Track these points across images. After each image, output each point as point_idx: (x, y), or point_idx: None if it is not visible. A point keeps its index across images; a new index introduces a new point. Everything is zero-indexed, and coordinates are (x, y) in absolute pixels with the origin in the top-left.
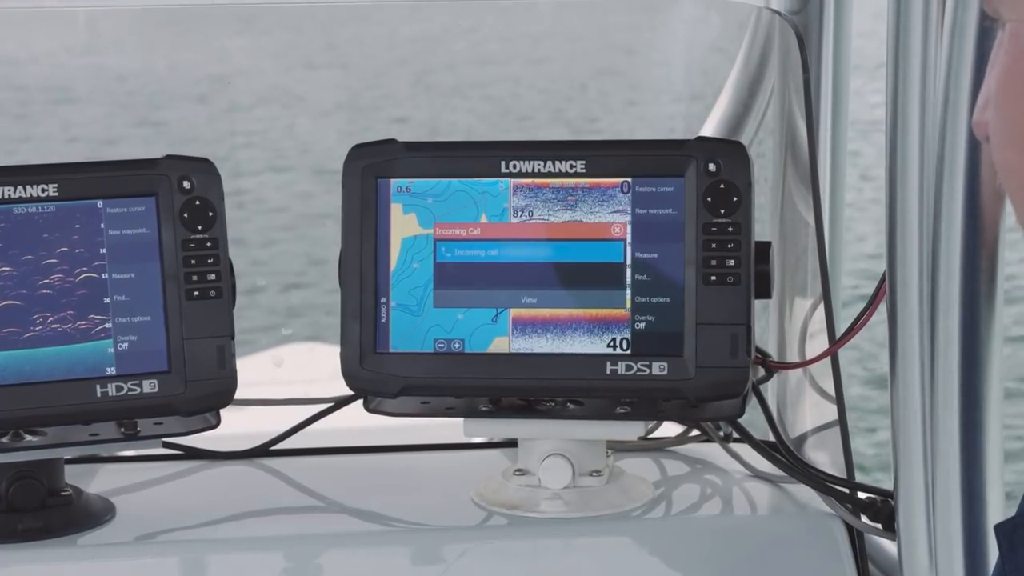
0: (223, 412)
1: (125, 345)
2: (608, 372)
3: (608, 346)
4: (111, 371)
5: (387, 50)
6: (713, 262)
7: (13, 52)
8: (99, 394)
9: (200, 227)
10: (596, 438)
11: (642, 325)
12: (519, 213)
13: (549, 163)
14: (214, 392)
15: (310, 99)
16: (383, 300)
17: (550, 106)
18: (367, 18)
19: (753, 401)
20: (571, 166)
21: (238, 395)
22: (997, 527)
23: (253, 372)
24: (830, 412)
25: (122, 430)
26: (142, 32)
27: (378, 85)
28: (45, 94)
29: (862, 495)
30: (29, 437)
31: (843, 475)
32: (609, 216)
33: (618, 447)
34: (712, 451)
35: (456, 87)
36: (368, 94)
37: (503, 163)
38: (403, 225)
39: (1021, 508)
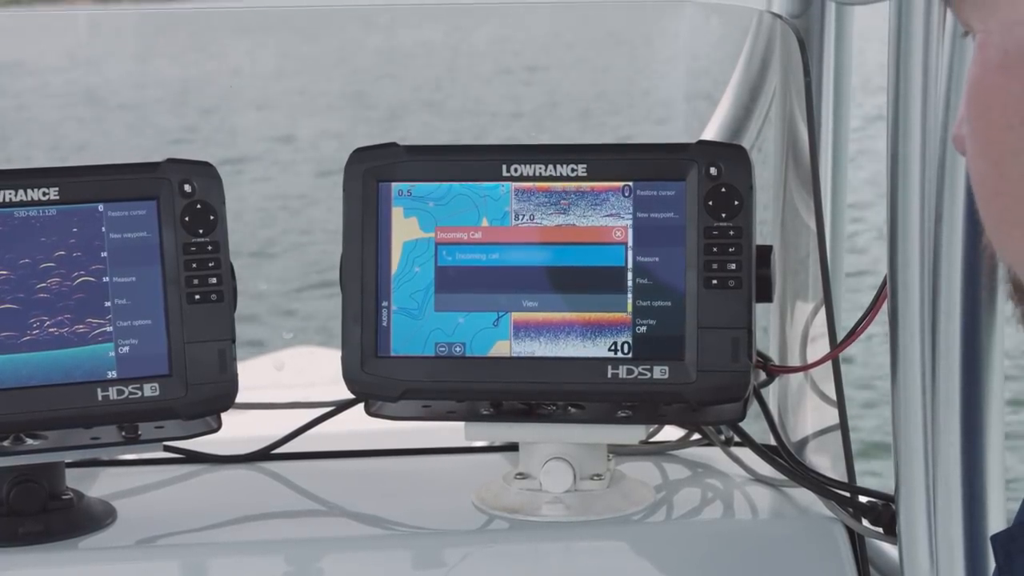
0: (224, 416)
1: (126, 349)
2: (609, 376)
3: (609, 350)
4: (112, 375)
5: None
6: (714, 266)
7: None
8: (100, 398)
9: (201, 231)
10: (597, 442)
11: (643, 329)
12: (520, 217)
13: (550, 167)
14: (215, 396)
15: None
16: (384, 304)
17: (550, 111)
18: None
19: (754, 405)
20: (572, 170)
21: (239, 399)
22: (993, 538)
23: (254, 376)
24: (831, 416)
25: (123, 434)
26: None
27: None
28: None
29: (863, 499)
30: (30, 441)
31: (844, 479)
32: (610, 220)
33: (619, 451)
34: (713, 455)
35: (455, 91)
36: None
37: (504, 167)
38: (404, 229)
39: (1017, 519)
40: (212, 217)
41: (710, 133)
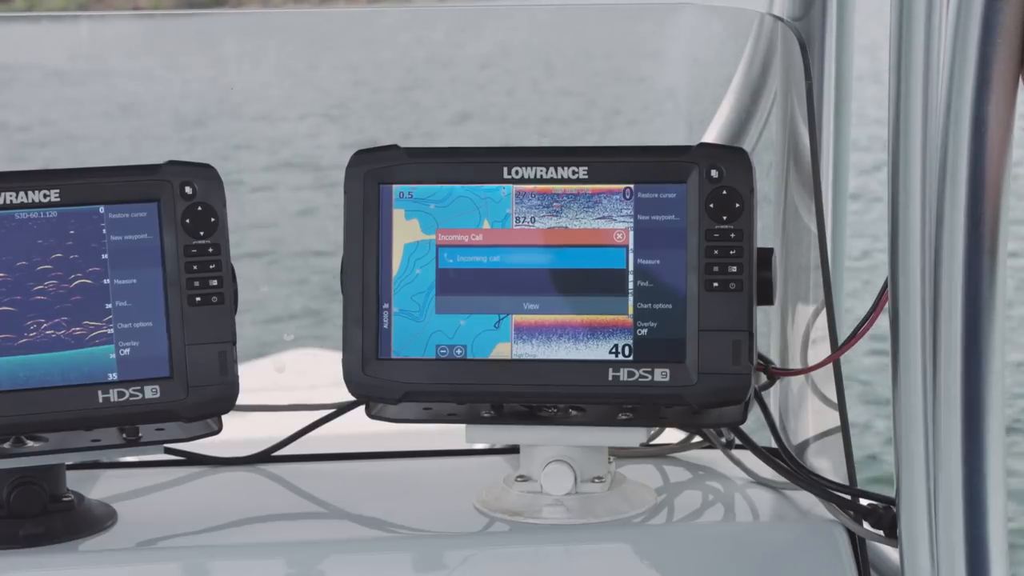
0: (225, 418)
1: (127, 351)
2: (610, 378)
3: (610, 352)
4: (113, 377)
5: None
6: (715, 268)
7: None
8: (101, 400)
9: (202, 233)
10: (598, 444)
11: (644, 331)
12: (521, 219)
13: (551, 169)
14: (216, 398)
15: None
16: (385, 306)
17: (551, 114)
18: None
19: (755, 408)
20: (573, 172)
21: (240, 401)
22: None
23: (255, 378)
24: (832, 419)
25: (124, 436)
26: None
27: None
28: None
29: (864, 502)
30: (30, 443)
31: (845, 482)
32: (611, 222)
33: (620, 453)
34: (714, 457)
35: (458, 95)
36: None
37: (505, 169)
38: (405, 231)
39: None
40: (213, 219)
41: (711, 135)
